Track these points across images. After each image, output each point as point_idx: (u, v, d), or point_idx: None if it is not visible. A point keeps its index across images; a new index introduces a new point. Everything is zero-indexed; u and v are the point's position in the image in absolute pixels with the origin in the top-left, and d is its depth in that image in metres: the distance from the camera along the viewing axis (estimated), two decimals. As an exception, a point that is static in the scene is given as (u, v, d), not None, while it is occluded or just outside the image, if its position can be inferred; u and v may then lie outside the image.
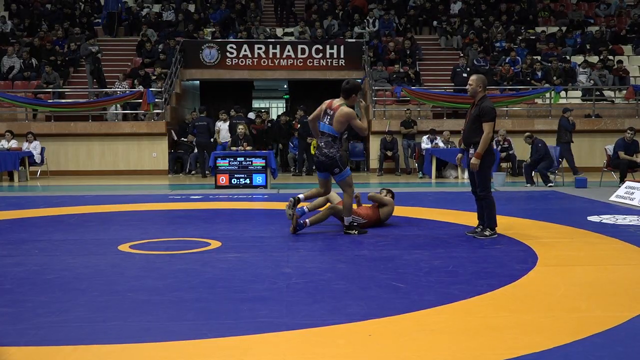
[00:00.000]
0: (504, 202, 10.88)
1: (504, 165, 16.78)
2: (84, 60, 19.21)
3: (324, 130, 7.31)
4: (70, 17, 22.53)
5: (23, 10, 23.13)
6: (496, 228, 7.24)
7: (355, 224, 7.56)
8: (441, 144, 16.51)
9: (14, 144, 16.21)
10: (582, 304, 4.51)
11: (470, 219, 8.52)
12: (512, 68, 19.54)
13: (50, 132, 17.69)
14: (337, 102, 7.30)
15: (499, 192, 12.59)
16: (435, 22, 22.88)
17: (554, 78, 19.06)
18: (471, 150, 7.09)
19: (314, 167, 17.36)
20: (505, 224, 8.08)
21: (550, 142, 14.55)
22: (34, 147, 16.51)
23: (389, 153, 17.24)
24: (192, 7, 23.35)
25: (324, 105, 7.37)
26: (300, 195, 7.50)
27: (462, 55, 20.13)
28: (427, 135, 16.79)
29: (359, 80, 20.14)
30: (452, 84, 18.78)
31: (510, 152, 16.61)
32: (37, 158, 16.53)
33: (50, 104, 18.13)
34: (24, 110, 18.44)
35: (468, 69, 18.75)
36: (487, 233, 7.17)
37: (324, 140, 7.31)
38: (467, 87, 7.29)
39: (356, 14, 22.56)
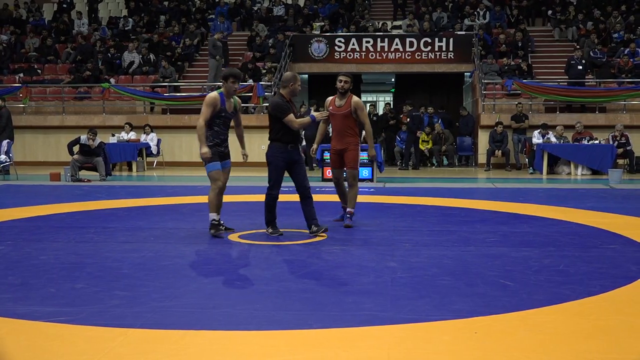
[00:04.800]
0: (620, 200, 10.43)
1: (620, 162, 16.02)
2: (212, 50, 19.13)
3: None
4: (186, 14, 23.31)
5: (142, 7, 24.18)
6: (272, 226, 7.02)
7: (216, 222, 6.92)
8: (553, 139, 15.96)
9: (132, 135, 17.02)
10: None
11: (583, 216, 8.22)
12: (632, 60, 18.60)
13: (166, 124, 18.44)
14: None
15: (614, 189, 12.06)
16: (549, 12, 22.12)
17: (678, 70, 18.00)
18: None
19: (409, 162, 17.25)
20: (622, 223, 7.73)
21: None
22: (151, 138, 17.26)
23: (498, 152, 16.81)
24: (301, 2, 23.63)
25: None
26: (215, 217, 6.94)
27: (577, 47, 19.35)
28: (539, 130, 16.26)
29: (470, 74, 19.88)
30: (567, 77, 18.09)
31: (628, 148, 15.83)
32: (154, 149, 17.27)
33: (166, 98, 18.88)
34: (142, 103, 19.30)
35: (584, 61, 18.02)
36: (270, 231, 6.99)
37: None
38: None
39: (467, 6, 22.16)
